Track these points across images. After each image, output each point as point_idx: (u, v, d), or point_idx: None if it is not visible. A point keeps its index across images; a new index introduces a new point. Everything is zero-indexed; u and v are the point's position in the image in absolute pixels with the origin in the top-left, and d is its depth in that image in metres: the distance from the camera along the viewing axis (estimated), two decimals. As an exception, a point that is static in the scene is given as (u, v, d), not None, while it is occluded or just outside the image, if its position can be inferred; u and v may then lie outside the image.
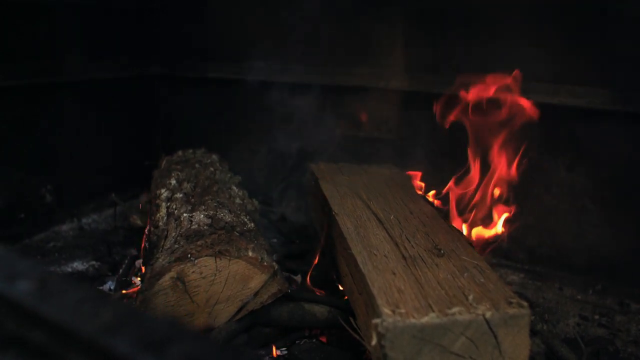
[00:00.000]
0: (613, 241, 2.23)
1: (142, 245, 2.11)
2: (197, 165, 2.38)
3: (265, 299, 1.71)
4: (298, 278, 2.12)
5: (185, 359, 0.59)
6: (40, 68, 2.56)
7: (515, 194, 2.20)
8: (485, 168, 2.18)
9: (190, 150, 2.66)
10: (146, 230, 2.11)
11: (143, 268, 1.85)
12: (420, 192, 2.15)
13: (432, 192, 2.22)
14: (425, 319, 1.17)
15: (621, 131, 2.13)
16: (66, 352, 0.63)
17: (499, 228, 2.11)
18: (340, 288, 1.87)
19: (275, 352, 1.70)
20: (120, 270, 2.19)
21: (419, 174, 2.33)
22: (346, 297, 1.77)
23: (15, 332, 0.66)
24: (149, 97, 3.23)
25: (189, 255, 1.57)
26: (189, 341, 0.62)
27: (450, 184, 2.17)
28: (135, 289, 1.95)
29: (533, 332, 1.68)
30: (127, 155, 3.13)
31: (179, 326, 0.64)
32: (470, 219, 2.13)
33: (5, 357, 0.64)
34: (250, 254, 1.65)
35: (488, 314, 1.20)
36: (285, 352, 1.72)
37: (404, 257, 1.49)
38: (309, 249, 2.31)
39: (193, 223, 1.77)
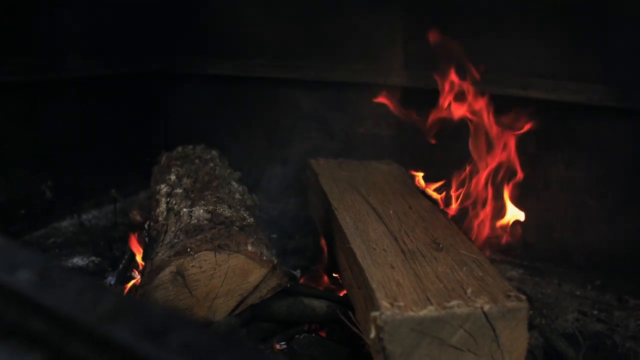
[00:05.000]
0: (612, 237, 2.23)
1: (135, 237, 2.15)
2: (196, 161, 2.38)
3: (264, 293, 1.72)
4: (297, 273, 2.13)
5: (184, 347, 0.60)
6: (40, 65, 2.56)
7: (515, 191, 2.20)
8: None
9: (190, 146, 2.66)
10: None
11: (142, 263, 1.86)
12: (421, 188, 2.15)
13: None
14: (423, 312, 1.18)
15: (620, 127, 2.14)
16: (67, 341, 0.64)
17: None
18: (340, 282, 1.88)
19: (275, 346, 1.70)
20: (121, 266, 2.20)
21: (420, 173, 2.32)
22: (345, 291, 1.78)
23: (17, 321, 0.67)
24: (149, 93, 3.23)
25: (189, 250, 1.58)
26: (187, 330, 0.62)
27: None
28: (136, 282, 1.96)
29: (531, 326, 1.68)
30: (127, 151, 3.14)
31: (177, 315, 0.65)
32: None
33: (7, 345, 0.65)
34: (249, 248, 1.65)
35: (486, 307, 1.21)
36: (285, 346, 1.72)
37: (402, 252, 1.49)
38: (309, 244, 2.31)
39: (193, 218, 1.77)
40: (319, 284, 1.97)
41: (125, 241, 2.51)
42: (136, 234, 2.17)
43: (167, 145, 2.73)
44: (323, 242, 2.01)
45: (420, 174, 2.21)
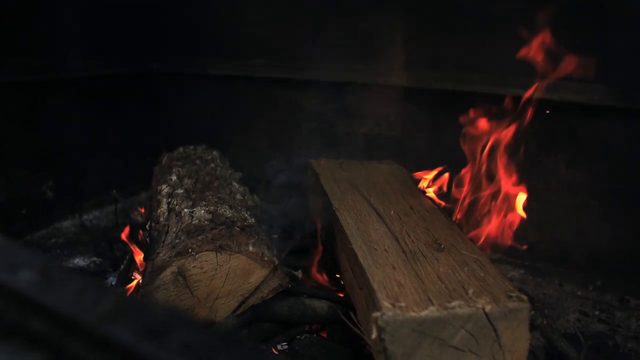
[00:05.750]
0: (613, 237, 2.23)
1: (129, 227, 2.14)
2: (197, 162, 2.38)
3: (265, 293, 1.71)
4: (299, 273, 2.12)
5: (184, 347, 0.60)
6: (40, 65, 2.56)
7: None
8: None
9: (191, 147, 2.66)
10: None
11: (143, 263, 1.86)
12: (422, 188, 2.16)
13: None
14: (425, 313, 1.18)
15: (621, 127, 2.13)
16: (67, 341, 0.64)
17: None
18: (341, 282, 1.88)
19: (275, 347, 1.70)
20: (122, 266, 2.20)
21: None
22: (346, 292, 1.77)
23: (17, 321, 0.67)
24: (149, 94, 3.23)
25: (190, 250, 1.58)
26: (187, 330, 0.62)
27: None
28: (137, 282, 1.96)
29: (533, 327, 1.68)
30: (128, 151, 3.14)
31: (178, 315, 0.65)
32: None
33: (7, 345, 0.65)
34: (250, 248, 1.65)
35: (488, 308, 1.21)
36: (286, 347, 1.72)
37: (404, 252, 1.49)
38: (310, 244, 2.31)
39: (194, 218, 1.77)
40: (313, 283, 1.96)
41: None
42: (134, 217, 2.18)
43: (168, 146, 2.73)
44: (320, 241, 2.01)
45: (429, 174, 2.22)
